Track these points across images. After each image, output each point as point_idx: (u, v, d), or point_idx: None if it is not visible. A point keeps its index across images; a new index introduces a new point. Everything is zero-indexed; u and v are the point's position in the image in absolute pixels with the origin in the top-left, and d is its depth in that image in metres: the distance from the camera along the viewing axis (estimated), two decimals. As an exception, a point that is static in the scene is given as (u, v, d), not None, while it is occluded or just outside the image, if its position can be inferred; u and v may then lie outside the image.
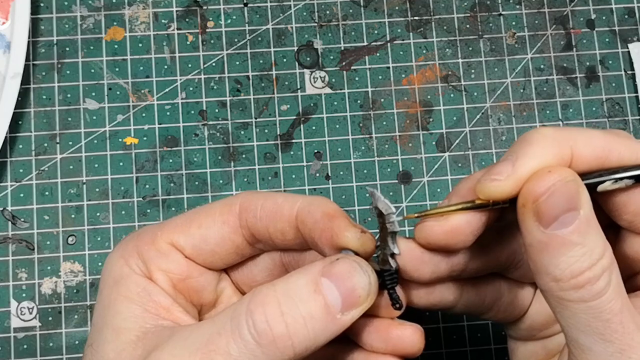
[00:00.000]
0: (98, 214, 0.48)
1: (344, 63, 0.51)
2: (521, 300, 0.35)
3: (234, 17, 0.51)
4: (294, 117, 0.50)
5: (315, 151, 0.50)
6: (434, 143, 0.51)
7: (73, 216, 0.48)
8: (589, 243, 0.27)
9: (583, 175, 0.29)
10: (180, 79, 0.50)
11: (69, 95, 0.50)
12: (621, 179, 0.29)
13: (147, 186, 0.49)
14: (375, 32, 0.52)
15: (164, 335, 0.30)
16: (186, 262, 0.33)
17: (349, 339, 0.33)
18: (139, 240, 0.33)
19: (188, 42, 0.51)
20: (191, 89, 0.50)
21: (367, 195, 0.49)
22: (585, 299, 0.27)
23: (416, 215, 0.31)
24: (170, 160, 0.49)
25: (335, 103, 0.51)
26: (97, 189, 0.49)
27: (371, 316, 0.32)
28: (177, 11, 0.51)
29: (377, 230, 0.31)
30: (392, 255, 0.31)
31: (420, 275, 0.32)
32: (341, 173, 0.50)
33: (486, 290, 0.35)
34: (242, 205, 0.33)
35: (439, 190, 0.50)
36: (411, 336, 0.32)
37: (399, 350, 0.32)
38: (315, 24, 0.52)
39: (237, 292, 0.36)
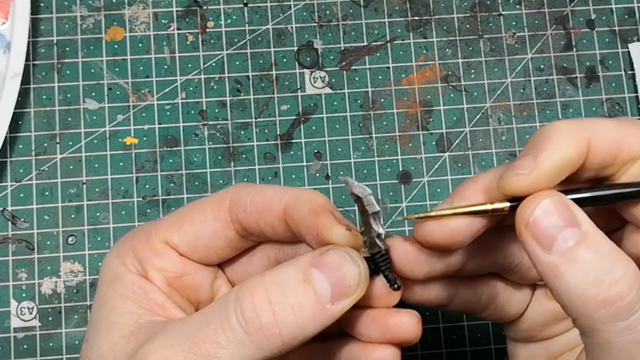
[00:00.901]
0: (98, 214, 0.48)
1: (344, 63, 0.51)
2: (518, 299, 0.35)
3: (234, 17, 0.51)
4: (294, 117, 0.50)
5: (315, 151, 0.50)
6: (434, 143, 0.51)
7: (73, 216, 0.48)
8: (603, 256, 0.27)
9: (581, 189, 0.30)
10: (180, 79, 0.50)
11: (69, 95, 0.50)
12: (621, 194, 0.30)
13: (147, 186, 0.49)
14: (375, 32, 0.52)
15: (157, 328, 0.30)
16: (180, 260, 0.33)
17: (344, 332, 0.33)
18: (135, 240, 0.33)
19: (188, 42, 0.51)
20: (191, 89, 0.50)
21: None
22: (618, 318, 0.26)
23: (416, 216, 0.31)
24: (170, 160, 0.49)
25: (335, 103, 0.51)
26: (97, 189, 0.49)
27: (366, 307, 0.32)
28: (177, 11, 0.51)
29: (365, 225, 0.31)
30: (379, 236, 0.31)
31: (416, 275, 0.32)
32: (341, 173, 0.50)
33: (482, 289, 0.35)
34: (232, 200, 0.33)
35: (439, 190, 0.50)
36: (408, 322, 0.32)
37: (397, 337, 0.32)
38: (315, 24, 0.52)
39: None
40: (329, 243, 0.30)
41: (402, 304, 0.33)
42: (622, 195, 0.30)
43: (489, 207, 0.30)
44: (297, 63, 0.51)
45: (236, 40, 0.51)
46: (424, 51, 0.52)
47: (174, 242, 0.33)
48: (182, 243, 0.33)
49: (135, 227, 0.48)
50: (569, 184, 0.30)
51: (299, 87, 0.51)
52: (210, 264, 0.34)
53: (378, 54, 0.52)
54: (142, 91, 0.50)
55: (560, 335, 0.36)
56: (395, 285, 0.31)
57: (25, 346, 0.46)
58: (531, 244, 0.28)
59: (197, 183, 0.49)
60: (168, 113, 0.50)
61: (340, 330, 0.33)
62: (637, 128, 0.30)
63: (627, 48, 0.53)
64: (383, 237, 0.31)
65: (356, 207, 0.31)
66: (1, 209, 0.48)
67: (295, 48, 0.51)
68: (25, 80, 0.49)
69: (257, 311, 0.28)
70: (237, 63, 0.51)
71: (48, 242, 0.48)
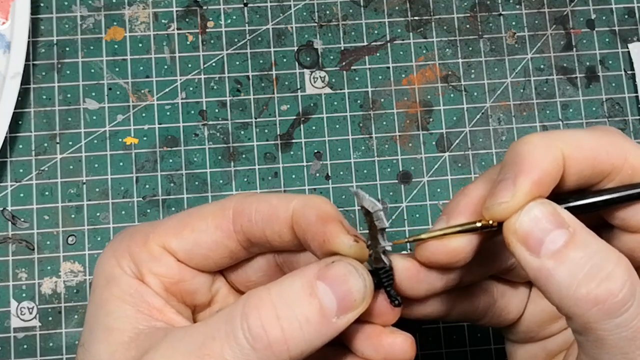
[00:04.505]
0: (98, 214, 0.48)
1: (344, 63, 0.51)
2: (516, 303, 0.35)
3: (234, 17, 0.51)
4: (294, 117, 0.50)
5: (315, 151, 0.50)
6: (434, 143, 0.51)
7: (73, 216, 0.48)
8: (593, 254, 0.27)
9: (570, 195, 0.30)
10: (180, 79, 0.50)
11: (69, 95, 0.50)
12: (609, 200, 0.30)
13: (147, 186, 0.49)
14: (375, 32, 0.52)
15: (158, 336, 0.30)
16: (178, 266, 0.33)
17: (341, 342, 0.33)
18: (131, 241, 0.33)
19: (188, 42, 0.51)
20: (191, 89, 0.50)
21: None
22: (612, 315, 0.26)
23: (405, 240, 0.31)
24: (170, 160, 0.49)
25: (335, 103, 0.51)
26: (97, 189, 0.49)
27: (364, 322, 0.32)
28: (177, 11, 0.51)
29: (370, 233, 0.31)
30: (385, 252, 0.31)
31: (417, 293, 0.32)
32: (341, 173, 0.50)
33: (479, 298, 0.35)
34: (236, 209, 0.32)
35: (439, 190, 0.50)
36: (402, 344, 0.32)
37: (390, 358, 0.32)
38: (315, 24, 0.52)
39: (232, 292, 0.36)
40: (334, 252, 0.30)
41: (401, 320, 0.33)
42: (609, 201, 0.30)
43: (478, 225, 0.30)
44: (297, 63, 0.51)
45: (236, 40, 0.51)
46: (424, 51, 0.52)
47: (173, 248, 0.33)
48: (181, 250, 0.33)
49: (132, 226, 0.48)
50: (551, 197, 0.30)
51: (299, 87, 0.51)
52: (208, 271, 0.34)
53: (378, 54, 0.52)
54: (142, 91, 0.50)
55: (558, 334, 0.36)
56: (396, 302, 0.31)
57: (25, 346, 0.46)
58: (520, 250, 0.28)
59: (197, 183, 0.49)
60: (168, 113, 0.50)
61: (336, 339, 0.33)
62: (614, 136, 0.30)
63: (627, 48, 0.53)
64: (389, 253, 0.31)
65: (363, 218, 0.31)
66: (1, 209, 0.48)
67: (295, 48, 0.51)
68: (25, 80, 0.49)
69: (264, 327, 0.28)
70: (237, 63, 0.51)
71: (48, 242, 0.48)
